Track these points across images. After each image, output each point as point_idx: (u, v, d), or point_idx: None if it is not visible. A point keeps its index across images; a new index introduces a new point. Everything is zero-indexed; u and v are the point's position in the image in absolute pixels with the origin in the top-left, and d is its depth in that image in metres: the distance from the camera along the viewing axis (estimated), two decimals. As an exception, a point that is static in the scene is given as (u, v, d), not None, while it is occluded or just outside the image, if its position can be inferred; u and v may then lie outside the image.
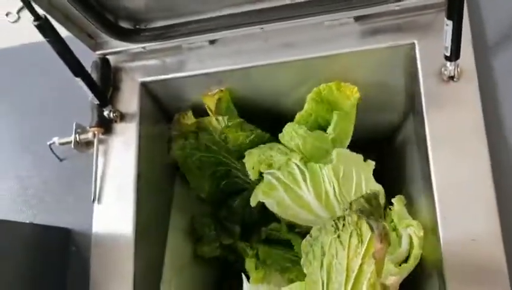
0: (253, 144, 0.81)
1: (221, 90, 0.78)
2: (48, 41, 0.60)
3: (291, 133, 0.75)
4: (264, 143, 0.81)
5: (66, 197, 0.77)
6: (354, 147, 0.81)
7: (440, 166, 0.61)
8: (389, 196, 0.79)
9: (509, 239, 0.56)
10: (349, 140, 0.77)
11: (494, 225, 0.56)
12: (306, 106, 0.76)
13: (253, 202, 0.79)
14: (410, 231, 0.68)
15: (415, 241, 0.66)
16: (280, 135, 0.77)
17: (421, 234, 0.66)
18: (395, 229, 0.71)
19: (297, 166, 0.72)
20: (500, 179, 0.58)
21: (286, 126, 0.76)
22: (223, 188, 0.91)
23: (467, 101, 0.61)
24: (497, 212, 0.57)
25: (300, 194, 0.73)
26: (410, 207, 0.74)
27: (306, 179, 0.72)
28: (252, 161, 0.76)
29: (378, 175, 0.89)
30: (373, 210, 0.66)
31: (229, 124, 0.78)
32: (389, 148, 0.91)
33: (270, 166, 0.74)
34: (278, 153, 0.74)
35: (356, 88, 0.73)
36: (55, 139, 0.76)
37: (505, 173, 0.59)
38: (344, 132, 0.76)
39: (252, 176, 0.77)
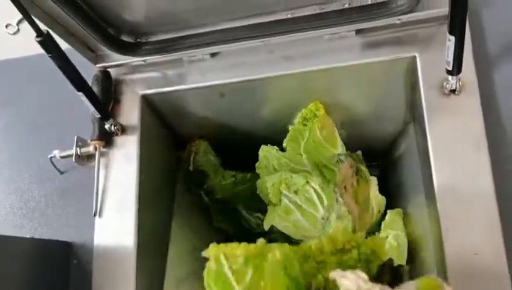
0: (238, 186, 0.88)
1: (201, 138, 0.85)
2: (50, 56, 0.60)
3: (265, 154, 0.80)
4: (247, 182, 0.87)
5: (67, 210, 0.77)
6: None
7: (443, 179, 0.61)
8: (390, 205, 0.79)
9: (512, 252, 0.56)
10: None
11: (497, 238, 0.56)
12: (296, 126, 0.78)
13: (266, 226, 0.80)
14: (390, 239, 0.69)
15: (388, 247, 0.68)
16: (256, 165, 0.81)
17: (396, 244, 0.69)
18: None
19: (315, 190, 0.74)
20: (502, 192, 0.58)
21: (260, 151, 0.80)
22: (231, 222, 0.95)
23: (468, 114, 0.62)
24: (500, 225, 0.57)
25: (317, 216, 0.75)
26: (411, 217, 0.75)
27: (323, 202, 0.74)
28: (273, 180, 0.78)
29: (379, 184, 0.89)
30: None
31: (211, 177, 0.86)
32: (389, 157, 0.91)
33: (288, 187, 0.76)
34: (299, 175, 0.76)
35: (318, 105, 0.76)
36: (56, 153, 0.76)
37: (507, 185, 0.59)
38: (316, 150, 0.78)
39: (272, 195, 0.78)
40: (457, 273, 0.56)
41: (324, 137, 0.75)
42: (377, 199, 0.77)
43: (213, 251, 0.46)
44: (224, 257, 0.45)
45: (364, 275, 0.45)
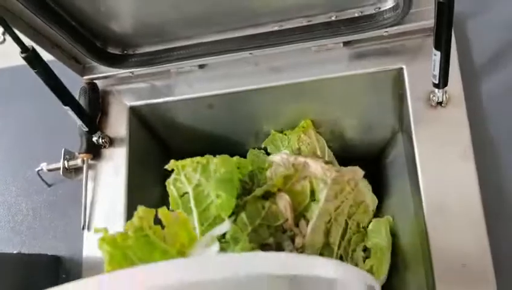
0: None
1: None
2: (35, 72, 0.59)
3: (253, 158, 0.81)
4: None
5: (55, 224, 0.76)
6: (344, 164, 0.82)
7: (430, 190, 0.61)
8: (379, 214, 0.80)
9: (499, 263, 0.56)
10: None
11: (484, 249, 0.57)
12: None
13: None
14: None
15: None
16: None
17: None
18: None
19: None
20: (489, 203, 0.59)
21: (248, 155, 0.82)
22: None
23: (455, 125, 0.62)
24: (487, 236, 0.57)
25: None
26: (399, 227, 0.75)
27: None
28: None
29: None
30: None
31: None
32: (378, 166, 0.91)
33: None
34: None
35: (307, 122, 0.78)
36: (43, 166, 0.75)
37: (494, 196, 0.60)
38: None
39: None
40: (446, 284, 0.57)
41: (303, 151, 0.76)
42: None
43: (172, 165, 0.58)
44: (180, 168, 0.58)
45: (287, 152, 0.62)
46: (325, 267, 0.35)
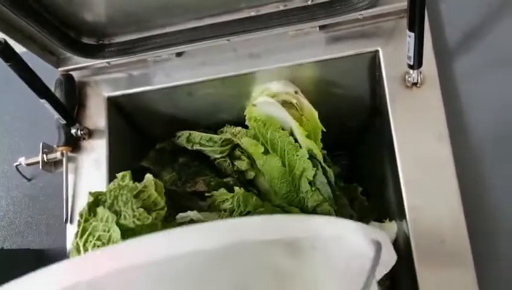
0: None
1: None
2: (9, 65, 0.58)
3: None
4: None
5: (37, 218, 0.76)
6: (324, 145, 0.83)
7: (407, 170, 0.62)
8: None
9: (476, 239, 0.58)
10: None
11: (461, 226, 0.59)
12: None
13: None
14: None
15: None
16: None
17: None
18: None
19: None
20: (464, 181, 0.60)
21: None
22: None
23: (430, 105, 0.63)
24: (463, 213, 0.59)
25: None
26: (384, 206, 0.77)
27: None
28: None
29: (350, 172, 0.90)
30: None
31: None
32: (358, 148, 0.93)
33: None
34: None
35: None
36: (22, 160, 0.74)
37: (468, 175, 0.62)
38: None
39: None
40: (425, 261, 0.58)
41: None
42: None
43: None
44: None
45: None
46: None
